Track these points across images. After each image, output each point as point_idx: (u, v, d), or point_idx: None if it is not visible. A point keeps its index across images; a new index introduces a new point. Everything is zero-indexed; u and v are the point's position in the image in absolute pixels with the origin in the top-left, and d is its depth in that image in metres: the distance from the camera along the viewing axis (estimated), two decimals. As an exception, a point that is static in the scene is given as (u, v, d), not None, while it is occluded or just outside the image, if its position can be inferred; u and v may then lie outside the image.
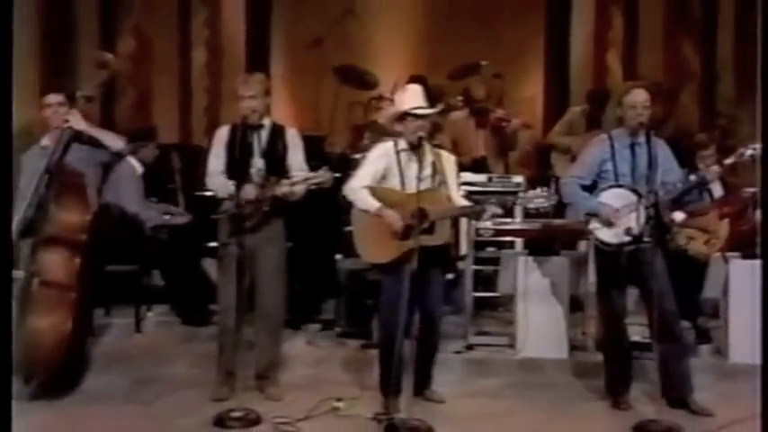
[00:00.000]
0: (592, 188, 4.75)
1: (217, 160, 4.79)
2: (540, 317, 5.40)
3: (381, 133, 6.30)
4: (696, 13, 8.31)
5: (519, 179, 6.08)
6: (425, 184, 4.55)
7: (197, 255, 5.98)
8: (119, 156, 5.08)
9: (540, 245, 5.64)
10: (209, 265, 5.84)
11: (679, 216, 5.23)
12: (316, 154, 6.90)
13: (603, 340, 4.97)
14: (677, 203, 4.87)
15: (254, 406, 4.50)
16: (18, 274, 4.57)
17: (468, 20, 8.28)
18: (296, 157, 4.82)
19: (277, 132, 4.83)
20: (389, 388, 4.53)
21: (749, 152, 4.58)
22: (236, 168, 4.65)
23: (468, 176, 5.92)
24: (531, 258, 5.49)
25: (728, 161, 4.68)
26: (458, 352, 5.44)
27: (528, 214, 5.80)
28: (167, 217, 6.08)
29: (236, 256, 4.59)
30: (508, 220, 5.51)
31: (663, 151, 4.73)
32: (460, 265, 5.83)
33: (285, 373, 5.06)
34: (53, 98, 4.93)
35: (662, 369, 4.65)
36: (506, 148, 7.23)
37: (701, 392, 4.70)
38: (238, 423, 4.35)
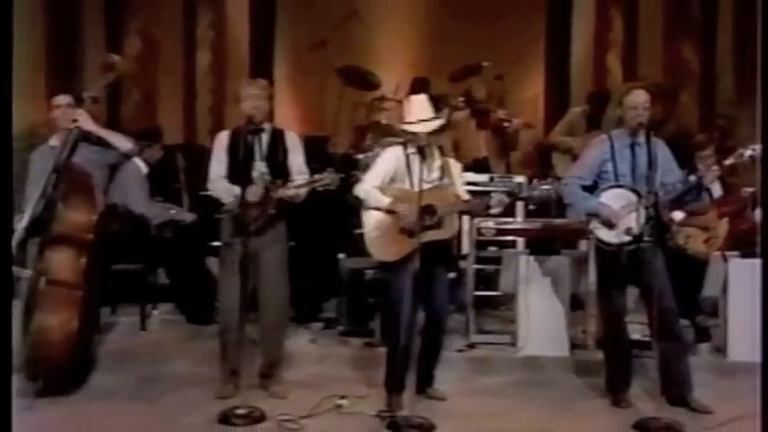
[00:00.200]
0: (593, 188, 4.76)
1: (219, 165, 4.80)
2: (541, 315, 5.42)
3: (384, 134, 6.37)
4: (695, 15, 8.34)
5: (520, 179, 6.07)
6: (432, 186, 4.62)
7: (202, 254, 6.00)
8: (127, 156, 5.10)
9: (541, 244, 5.67)
10: (214, 264, 5.85)
11: (679, 215, 5.23)
12: (319, 154, 6.98)
13: (604, 338, 4.99)
14: (677, 203, 4.88)
15: (258, 404, 4.51)
16: (25, 272, 4.62)
17: (470, 22, 8.31)
18: (296, 160, 4.85)
19: (277, 136, 4.86)
20: (394, 385, 4.57)
21: (748, 153, 4.58)
22: (239, 173, 4.67)
23: (469, 176, 5.95)
24: (532, 257, 5.51)
25: (728, 162, 4.69)
26: (460, 350, 5.47)
27: (529, 213, 5.85)
28: (173, 212, 6.12)
29: (239, 256, 4.60)
30: (509, 219, 5.54)
31: (662, 152, 4.74)
32: (462, 264, 5.86)
33: (289, 371, 5.08)
34: (62, 99, 4.96)
35: (662, 367, 4.66)
36: (508, 148, 7.26)
37: (700, 390, 4.72)
38: (243, 420, 4.37)
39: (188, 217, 6.16)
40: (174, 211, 6.12)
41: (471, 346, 5.55)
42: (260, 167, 4.72)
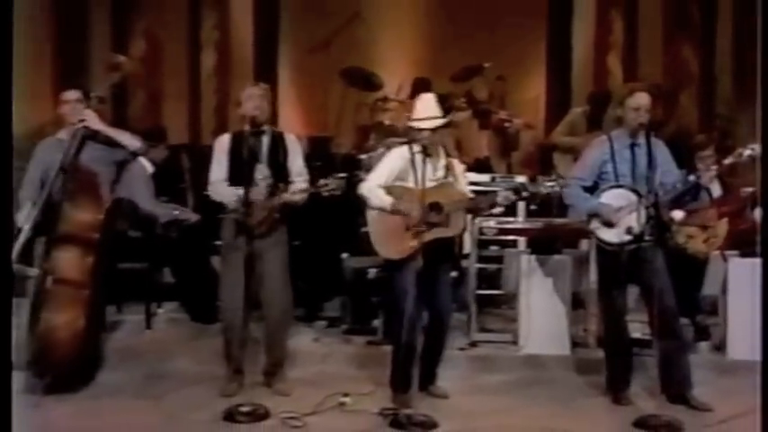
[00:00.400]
0: (593, 189, 4.77)
1: (219, 168, 4.81)
2: (542, 314, 5.44)
3: (387, 134, 6.40)
4: (695, 18, 8.37)
5: (522, 179, 6.07)
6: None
7: (206, 253, 6.02)
8: (134, 155, 5.12)
9: (543, 244, 5.68)
10: (218, 263, 5.90)
11: (679, 215, 5.23)
12: (323, 154, 7.02)
13: (605, 337, 5.00)
14: (677, 203, 4.89)
15: (262, 401, 4.53)
16: (32, 271, 4.65)
17: (472, 24, 8.33)
18: (296, 162, 4.87)
19: (277, 138, 4.88)
20: (399, 384, 4.59)
21: (747, 152, 4.58)
22: (241, 176, 4.68)
23: (471, 176, 5.97)
24: (533, 257, 5.53)
25: (727, 161, 4.69)
26: (462, 348, 5.49)
27: (531, 213, 5.88)
28: (177, 212, 6.13)
29: (243, 256, 4.62)
30: (511, 219, 5.57)
31: (662, 152, 4.75)
32: (464, 263, 5.86)
33: (292, 370, 5.10)
34: (71, 95, 4.98)
35: (662, 365, 4.68)
36: (509, 148, 7.29)
37: (700, 388, 4.73)
38: (247, 418, 4.38)
39: (193, 217, 6.18)
40: (178, 212, 6.16)
41: (473, 344, 5.58)
42: (262, 170, 4.75)
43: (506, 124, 7.21)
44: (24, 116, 6.49)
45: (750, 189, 5.64)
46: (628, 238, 4.61)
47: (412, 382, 4.56)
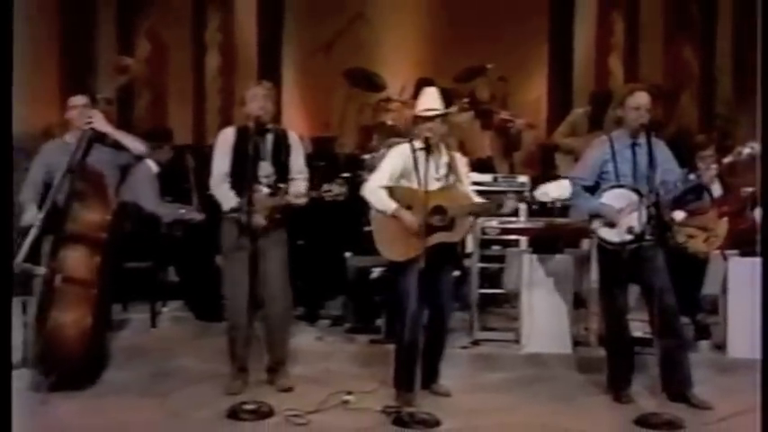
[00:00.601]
0: (594, 189, 4.79)
1: (222, 163, 4.81)
2: (544, 313, 5.45)
3: (389, 134, 6.43)
4: (695, 19, 8.38)
5: (524, 179, 6.10)
6: (441, 184, 4.66)
7: (211, 252, 6.02)
8: (139, 158, 5.15)
9: (544, 243, 5.69)
10: (221, 262, 5.94)
11: (679, 215, 5.27)
12: (326, 154, 7.05)
13: (606, 336, 5.02)
14: (677, 202, 4.93)
15: (266, 399, 4.54)
16: (39, 269, 4.68)
17: (475, 25, 8.34)
18: (297, 160, 4.90)
19: (280, 136, 4.90)
20: (403, 383, 4.60)
21: (746, 151, 4.60)
22: (244, 173, 4.68)
23: (474, 176, 6.00)
24: (535, 256, 5.55)
25: (726, 160, 4.72)
26: (464, 347, 5.51)
27: (532, 213, 5.91)
28: (182, 211, 6.18)
29: (246, 255, 4.64)
30: (513, 218, 5.60)
31: (662, 151, 4.76)
32: (467, 262, 5.87)
33: (296, 368, 5.12)
34: (78, 100, 5.01)
35: (662, 364, 4.69)
36: (511, 148, 7.30)
37: (700, 386, 4.74)
38: (251, 415, 4.40)
39: (197, 216, 6.22)
40: (183, 210, 6.19)
41: (475, 343, 5.59)
42: (265, 168, 4.77)
43: (508, 124, 7.22)
44: (30, 117, 6.55)
45: (750, 189, 5.65)
46: (629, 237, 4.62)
47: (415, 382, 4.57)
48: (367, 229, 4.83)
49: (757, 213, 5.54)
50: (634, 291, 4.98)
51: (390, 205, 4.62)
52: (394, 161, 4.73)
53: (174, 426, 4.42)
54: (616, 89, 7.03)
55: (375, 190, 4.68)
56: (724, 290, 5.50)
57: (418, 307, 4.51)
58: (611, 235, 4.72)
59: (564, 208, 5.39)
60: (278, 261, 4.82)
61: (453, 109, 5.56)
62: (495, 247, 6.11)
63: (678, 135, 7.25)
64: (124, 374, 5.06)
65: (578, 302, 5.65)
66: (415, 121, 4.73)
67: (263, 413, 4.44)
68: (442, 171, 4.69)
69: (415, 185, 4.65)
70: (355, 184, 5.00)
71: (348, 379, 5.03)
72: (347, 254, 5.98)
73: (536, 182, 6.05)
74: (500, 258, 6.15)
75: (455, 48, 8.20)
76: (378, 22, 8.56)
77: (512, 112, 7.40)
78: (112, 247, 4.87)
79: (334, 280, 6.14)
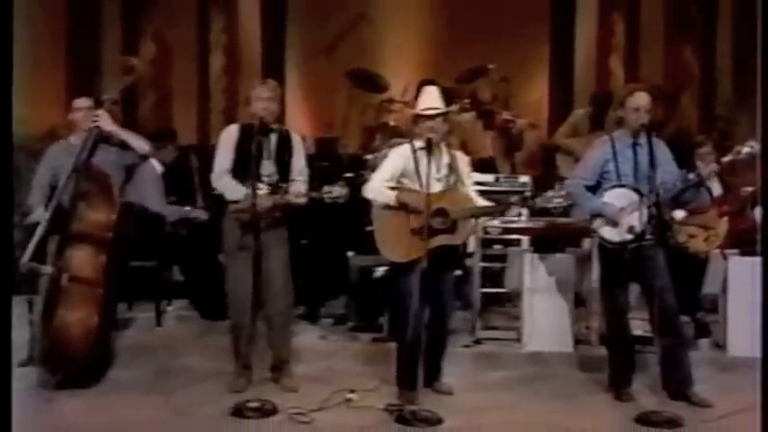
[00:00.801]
0: (595, 188, 4.80)
1: (225, 159, 4.82)
2: (545, 312, 5.48)
3: (392, 134, 6.46)
4: (695, 20, 8.40)
5: (525, 179, 6.15)
6: (442, 184, 4.67)
7: (215, 251, 6.07)
8: (144, 158, 5.18)
9: (546, 242, 5.71)
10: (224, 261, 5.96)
11: (680, 214, 5.29)
12: (329, 155, 7.08)
13: (606, 334, 5.03)
14: (678, 202, 4.94)
15: (270, 397, 4.55)
16: (46, 269, 4.72)
17: (477, 26, 8.36)
18: (298, 161, 4.91)
19: (284, 136, 4.92)
20: (406, 382, 4.61)
21: (746, 150, 4.60)
22: (246, 170, 4.69)
23: (475, 176, 6.02)
24: (536, 256, 5.57)
25: (726, 159, 4.72)
26: (466, 346, 5.53)
27: (534, 213, 5.93)
28: (187, 209, 6.20)
29: (249, 253, 4.66)
30: (514, 218, 5.62)
31: (663, 152, 4.78)
32: (468, 262, 5.90)
33: (300, 366, 5.13)
34: (83, 102, 5.04)
35: (663, 362, 4.71)
36: (513, 148, 7.32)
37: (700, 384, 4.75)
38: (255, 413, 4.41)
39: (202, 215, 6.25)
40: (187, 209, 6.22)
41: (477, 341, 5.62)
42: (268, 167, 4.79)
43: (510, 125, 7.24)
44: (35, 118, 6.60)
45: (750, 188, 5.68)
46: (630, 236, 4.64)
47: (417, 380, 4.59)
48: (369, 229, 4.84)
49: (757, 213, 5.57)
50: (635, 290, 4.99)
51: (391, 195, 4.63)
52: (395, 161, 4.74)
53: (178, 423, 4.43)
54: (617, 90, 7.06)
55: (376, 188, 4.70)
56: (724, 289, 5.52)
57: (420, 306, 4.52)
58: (612, 234, 4.74)
59: (565, 208, 5.40)
60: (279, 260, 4.84)
61: (454, 107, 5.58)
62: (497, 247, 6.14)
63: (678, 135, 7.28)
64: (129, 373, 5.09)
65: (579, 301, 5.67)
66: (416, 121, 4.75)
67: (266, 411, 4.46)
68: (443, 171, 4.71)
69: (416, 185, 4.65)
70: (357, 185, 5.01)
71: (351, 377, 5.04)
72: (350, 253, 6.01)
73: (537, 182, 6.09)
74: (502, 258, 6.18)
75: (457, 49, 8.21)
76: (380, 23, 8.59)
77: (513, 113, 7.42)
78: (118, 246, 4.89)
79: (336, 279, 6.16)
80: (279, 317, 4.91)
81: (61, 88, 6.87)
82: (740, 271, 5.39)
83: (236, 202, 4.75)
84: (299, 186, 4.84)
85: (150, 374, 5.12)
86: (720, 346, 5.50)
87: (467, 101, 7.24)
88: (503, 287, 6.19)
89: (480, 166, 6.66)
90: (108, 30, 8.19)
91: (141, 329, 5.88)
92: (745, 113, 7.45)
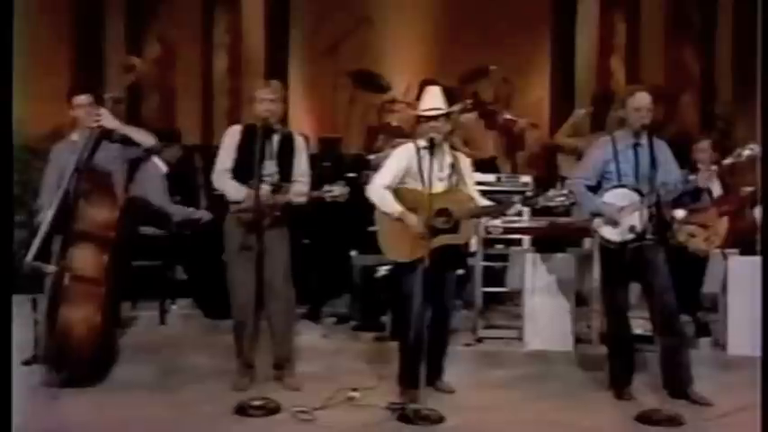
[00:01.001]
0: (596, 188, 4.82)
1: (227, 159, 4.84)
2: (546, 311, 5.49)
3: (394, 135, 6.47)
4: (696, 21, 8.40)
5: (527, 178, 6.16)
6: (444, 184, 4.69)
7: (218, 250, 6.09)
8: (149, 152, 5.18)
9: (547, 242, 5.74)
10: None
11: (680, 214, 5.29)
12: (332, 155, 7.10)
13: (607, 333, 5.04)
14: (678, 202, 4.95)
15: (273, 395, 4.57)
16: (50, 268, 4.74)
17: (478, 27, 8.38)
18: (300, 164, 4.93)
19: (287, 137, 4.93)
20: (408, 381, 4.63)
21: (746, 152, 4.62)
22: (248, 170, 4.70)
23: (477, 176, 6.03)
24: (538, 255, 5.58)
25: (726, 161, 4.73)
26: (468, 344, 5.53)
27: (535, 212, 5.95)
28: (191, 209, 6.22)
29: (251, 253, 4.69)
30: (516, 218, 5.64)
31: (663, 152, 4.80)
32: (470, 261, 5.85)
33: (302, 365, 5.15)
34: (84, 99, 5.04)
35: (663, 361, 4.74)
36: (514, 148, 7.34)
37: (700, 383, 4.77)
38: (259, 411, 4.43)
39: (206, 215, 6.26)
40: (191, 209, 6.24)
41: (479, 340, 5.62)
42: (270, 167, 4.81)
43: (511, 125, 7.26)
44: (41, 117, 6.62)
45: (750, 188, 5.69)
46: (630, 236, 4.65)
47: (419, 379, 4.60)
48: (372, 228, 4.86)
49: (757, 212, 5.58)
50: (635, 289, 5.01)
51: (396, 208, 4.65)
52: (398, 161, 4.76)
53: (181, 421, 4.45)
54: (618, 90, 7.06)
55: (380, 191, 4.71)
56: (724, 288, 5.53)
57: (422, 306, 4.54)
58: (612, 234, 4.76)
59: (566, 207, 5.41)
60: (280, 259, 4.85)
61: (456, 107, 5.59)
62: (499, 246, 6.14)
63: (678, 136, 7.28)
64: (133, 371, 5.10)
65: (580, 300, 5.68)
66: (419, 121, 4.77)
67: (270, 409, 4.47)
68: (446, 171, 4.72)
69: (418, 185, 4.66)
70: (360, 185, 5.03)
71: (354, 376, 5.05)
72: (353, 253, 6.03)
73: (539, 182, 6.10)
74: (503, 257, 6.18)
75: (459, 49, 8.21)
76: (383, 24, 8.59)
77: (515, 113, 7.44)
78: (121, 245, 4.91)
79: (339, 278, 6.17)
80: (281, 316, 4.92)
81: (66, 88, 6.87)
82: (740, 270, 5.39)
83: (237, 202, 4.77)
84: (300, 187, 4.87)
85: (154, 373, 5.14)
86: (720, 345, 5.50)
87: (469, 101, 7.25)
88: (504, 286, 6.19)
89: (482, 165, 6.67)
90: (112, 30, 8.20)
91: (145, 328, 5.89)
92: (745, 114, 7.46)
